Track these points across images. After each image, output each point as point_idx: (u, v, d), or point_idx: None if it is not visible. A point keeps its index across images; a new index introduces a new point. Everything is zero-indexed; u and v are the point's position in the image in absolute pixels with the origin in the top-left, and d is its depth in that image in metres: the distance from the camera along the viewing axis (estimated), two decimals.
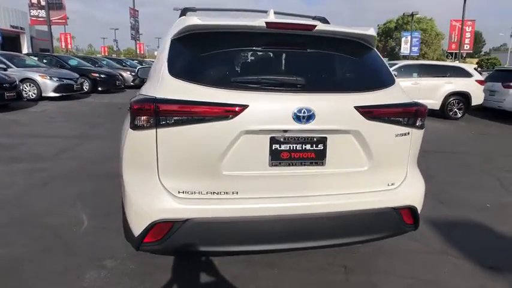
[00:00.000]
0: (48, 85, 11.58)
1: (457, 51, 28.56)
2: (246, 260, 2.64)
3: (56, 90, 11.69)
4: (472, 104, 10.58)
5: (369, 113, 1.97)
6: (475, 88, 10.52)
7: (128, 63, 21.63)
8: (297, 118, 1.86)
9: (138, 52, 37.01)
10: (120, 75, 16.39)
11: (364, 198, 2.07)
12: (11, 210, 3.49)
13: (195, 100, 1.81)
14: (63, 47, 51.21)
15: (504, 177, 5.10)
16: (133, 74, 17.93)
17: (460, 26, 26.71)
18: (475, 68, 11.14)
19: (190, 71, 1.97)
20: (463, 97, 10.57)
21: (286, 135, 1.92)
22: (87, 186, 4.18)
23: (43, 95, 11.55)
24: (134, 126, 1.88)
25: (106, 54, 69.24)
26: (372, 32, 2.15)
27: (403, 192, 2.17)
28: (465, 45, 28.76)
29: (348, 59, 2.27)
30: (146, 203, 1.90)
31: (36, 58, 14.68)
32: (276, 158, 1.94)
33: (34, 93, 11.50)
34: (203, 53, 2.04)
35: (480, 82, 10.66)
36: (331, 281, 2.53)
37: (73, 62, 15.62)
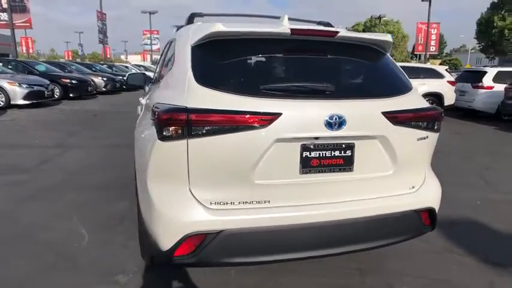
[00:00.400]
0: (18, 92, 11.02)
1: (423, 53, 29.78)
2: (265, 268, 2.61)
3: (26, 97, 11.15)
4: (445, 104, 11.04)
5: (395, 118, 2.01)
6: (447, 89, 10.99)
7: (98, 68, 20.97)
8: (329, 125, 1.87)
9: (104, 56, 35.91)
10: (92, 80, 15.85)
11: (389, 202, 2.10)
12: (1, 227, 3.29)
13: (229, 109, 1.77)
14: (24, 51, 49.00)
15: (487, 175, 5.34)
16: (105, 79, 17.41)
17: (426, 28, 27.88)
18: (446, 69, 11.65)
19: (218, 78, 1.92)
20: (436, 98, 11.02)
21: (316, 142, 1.92)
22: (78, 199, 4.00)
23: (12, 102, 10.99)
24: (163, 137, 1.81)
25: (70, 58, 66.86)
26: (389, 38, 2.20)
27: (423, 194, 2.22)
28: (431, 47, 30.02)
29: (368, 64, 2.30)
30: (178, 215, 1.84)
31: (0, 64, 13.94)
32: (307, 165, 1.93)
33: (2, 101, 10.91)
34: (228, 60, 2.00)
35: (451, 83, 11.16)
36: (349, 284, 2.55)
37: (41, 68, 14.93)
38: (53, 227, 3.30)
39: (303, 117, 1.86)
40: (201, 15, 2.77)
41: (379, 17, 36.77)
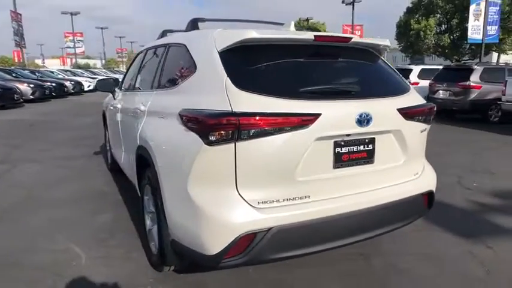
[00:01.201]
0: None
1: None
2: (281, 263, 2.71)
3: None
4: None
5: (406, 113, 2.27)
6: None
7: (19, 73, 19.07)
8: (359, 122, 2.05)
9: (16, 60, 32.55)
10: (17, 88, 14.43)
11: (402, 188, 2.35)
12: None
13: (275, 112, 1.85)
14: None
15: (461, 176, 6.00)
16: (32, 86, 15.95)
17: (351, 30, 29.94)
18: None
19: (256, 82, 1.99)
20: None
21: (347, 138, 2.08)
22: (53, 215, 3.73)
23: None
24: (210, 142, 1.83)
25: None
26: (388, 42, 2.46)
27: (425, 179, 2.51)
28: None
29: (375, 66, 2.51)
30: (229, 217, 1.87)
31: None
32: (339, 160, 2.09)
33: None
34: (262, 65, 2.08)
35: None
36: (358, 269, 2.76)
37: None
38: (39, 248, 3.05)
39: (337, 116, 2.02)
40: (203, 20, 2.79)
41: (307, 19, 38.60)
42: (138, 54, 4.14)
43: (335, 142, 2.06)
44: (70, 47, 42.10)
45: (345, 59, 2.37)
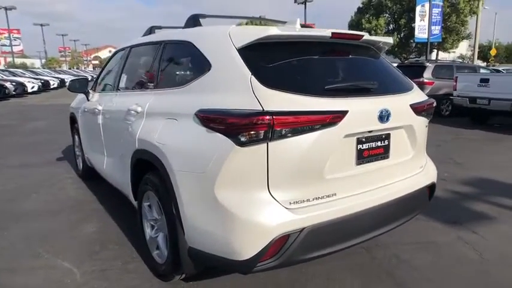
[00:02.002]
0: None
1: None
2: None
3: None
4: None
5: (416, 109, 2.34)
6: None
7: None
8: (380, 118, 2.08)
9: None
10: None
11: (411, 181, 2.42)
12: None
13: (307, 110, 1.82)
14: None
15: None
16: None
17: None
18: None
19: (282, 80, 1.94)
20: None
21: (368, 135, 2.10)
22: (30, 230, 3.42)
23: None
24: (242, 143, 1.76)
25: None
26: (392, 40, 2.53)
27: (428, 172, 2.61)
28: None
29: (382, 63, 2.56)
30: (263, 220, 1.80)
31: None
32: (361, 156, 2.11)
33: None
34: (283, 62, 2.03)
35: None
36: (363, 262, 2.82)
37: None
38: (23, 267, 2.78)
39: (362, 113, 2.03)
40: (204, 16, 2.67)
41: (260, 18, 38.78)
42: (116, 52, 3.89)
43: (357, 139, 2.07)
44: (6, 45, 38.87)
45: (357, 56, 2.40)
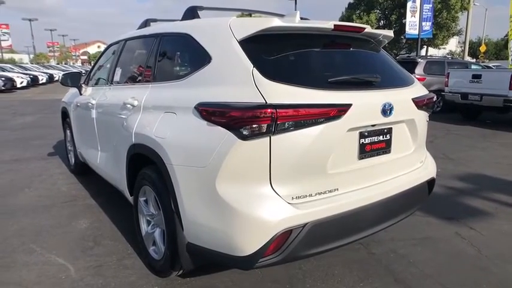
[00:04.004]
0: None
1: None
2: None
3: None
4: None
5: (418, 103, 2.32)
6: None
7: None
8: (383, 112, 2.06)
9: None
10: None
11: (412, 176, 2.41)
12: None
13: (311, 103, 1.78)
14: None
15: None
16: None
17: None
18: None
19: (285, 73, 1.90)
20: None
21: (370, 129, 2.08)
22: (22, 224, 3.35)
23: None
24: (244, 136, 1.72)
25: None
26: (392, 34, 2.51)
27: (428, 167, 2.60)
28: None
29: (383, 57, 2.53)
30: (265, 215, 1.76)
31: None
32: (363, 151, 2.08)
33: None
34: (285, 54, 1.99)
35: None
36: (361, 257, 2.81)
37: None
38: (16, 263, 2.71)
39: (366, 106, 2.00)
40: (201, 8, 2.61)
41: (250, 14, 38.56)
42: (110, 46, 3.81)
43: (360, 133, 2.05)
44: None
45: (359, 49, 2.37)
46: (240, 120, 1.73)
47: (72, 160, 4.88)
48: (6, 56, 58.14)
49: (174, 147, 2.08)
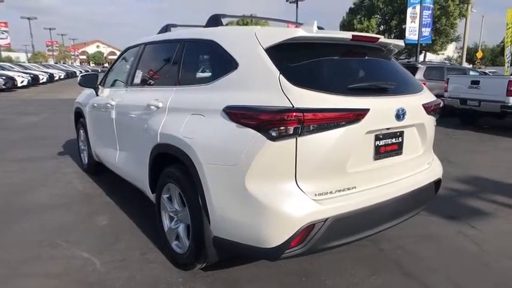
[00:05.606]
0: None
1: None
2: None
3: None
4: None
5: (428, 108, 2.50)
6: None
7: None
8: (397, 117, 2.23)
9: None
10: None
11: (421, 176, 2.58)
12: None
13: (334, 107, 1.95)
14: None
15: None
16: None
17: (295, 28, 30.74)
18: None
19: (309, 79, 2.07)
20: None
21: (385, 132, 2.25)
22: (45, 221, 3.49)
23: None
24: (273, 137, 1.88)
25: None
26: (402, 43, 2.68)
27: (435, 168, 2.78)
28: None
29: (395, 65, 2.71)
30: (292, 209, 1.93)
31: None
32: (377, 152, 2.25)
33: None
34: (308, 62, 2.15)
35: None
36: (371, 253, 2.97)
37: None
38: (43, 257, 2.85)
39: (382, 111, 2.17)
40: (224, 16, 2.77)
41: (251, 16, 38.88)
42: (128, 49, 3.96)
43: (375, 135, 2.21)
44: None
45: (373, 57, 2.54)
46: (269, 122, 1.89)
47: (86, 160, 5.01)
48: (4, 54, 58.00)
49: (202, 146, 2.23)
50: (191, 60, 2.76)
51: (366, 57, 2.50)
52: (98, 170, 4.81)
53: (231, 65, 2.25)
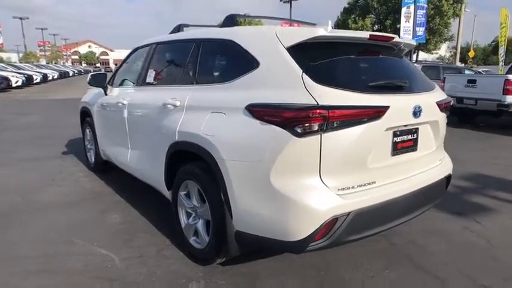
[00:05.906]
0: None
1: None
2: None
3: None
4: None
5: (440, 106, 2.58)
6: None
7: None
8: (414, 114, 2.31)
9: None
10: None
11: (434, 172, 2.66)
12: None
13: (356, 105, 2.01)
14: None
15: None
16: None
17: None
18: None
19: (331, 77, 2.12)
20: None
21: (402, 128, 2.32)
22: (59, 219, 3.51)
23: None
24: (299, 134, 1.94)
25: None
26: (414, 42, 2.76)
27: (446, 164, 2.86)
28: None
29: (408, 63, 2.79)
30: (316, 203, 1.98)
31: None
32: (395, 148, 2.32)
33: None
34: (329, 61, 2.21)
35: None
36: (384, 248, 3.04)
37: None
38: (61, 253, 2.88)
39: (400, 108, 2.24)
40: (240, 16, 2.83)
41: (245, 15, 38.88)
42: (137, 49, 3.98)
43: (394, 132, 2.28)
44: None
45: (387, 56, 2.61)
46: (294, 119, 1.95)
47: (92, 159, 5.03)
48: None
49: (225, 143, 2.28)
50: (209, 59, 2.81)
51: (381, 56, 2.57)
52: (105, 169, 4.83)
53: (251, 64, 2.30)
